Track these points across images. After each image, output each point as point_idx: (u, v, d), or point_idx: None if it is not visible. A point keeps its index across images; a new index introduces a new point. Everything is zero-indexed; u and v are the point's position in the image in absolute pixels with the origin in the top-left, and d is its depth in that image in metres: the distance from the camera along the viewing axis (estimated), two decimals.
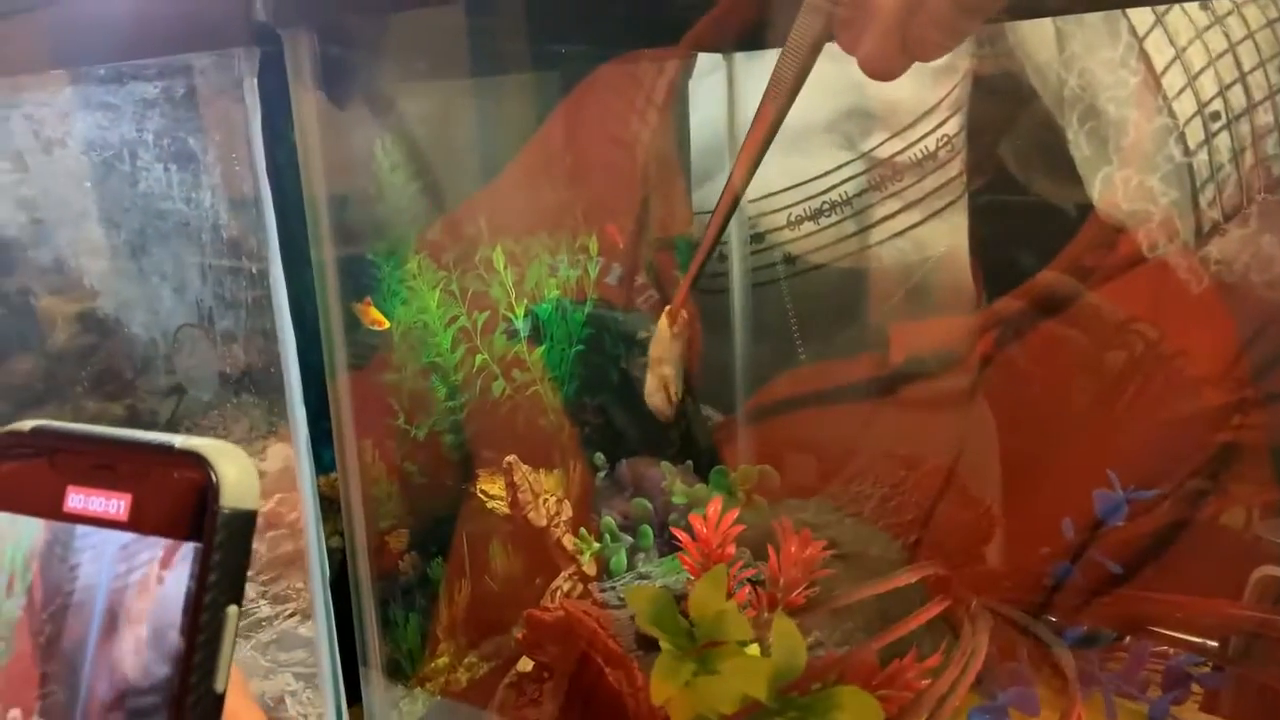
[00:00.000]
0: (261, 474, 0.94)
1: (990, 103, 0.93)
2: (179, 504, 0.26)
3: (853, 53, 0.42)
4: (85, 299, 0.82)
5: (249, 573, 0.78)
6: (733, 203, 0.57)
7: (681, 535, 0.57)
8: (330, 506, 0.63)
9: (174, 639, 0.26)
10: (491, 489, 0.74)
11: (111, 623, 0.27)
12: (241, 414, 0.84)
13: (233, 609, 0.26)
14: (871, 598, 0.61)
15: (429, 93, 0.71)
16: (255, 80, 0.56)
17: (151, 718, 0.26)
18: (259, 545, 0.89)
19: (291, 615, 0.78)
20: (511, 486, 0.66)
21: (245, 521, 0.26)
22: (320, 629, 0.63)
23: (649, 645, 0.56)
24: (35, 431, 0.29)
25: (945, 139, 0.93)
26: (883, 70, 0.42)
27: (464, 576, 0.73)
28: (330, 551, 0.63)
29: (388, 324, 0.65)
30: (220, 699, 0.26)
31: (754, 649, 0.51)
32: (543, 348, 0.77)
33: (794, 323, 0.98)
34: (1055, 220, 0.83)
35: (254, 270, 0.60)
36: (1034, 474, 0.77)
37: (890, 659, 0.51)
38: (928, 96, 0.92)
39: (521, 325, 0.74)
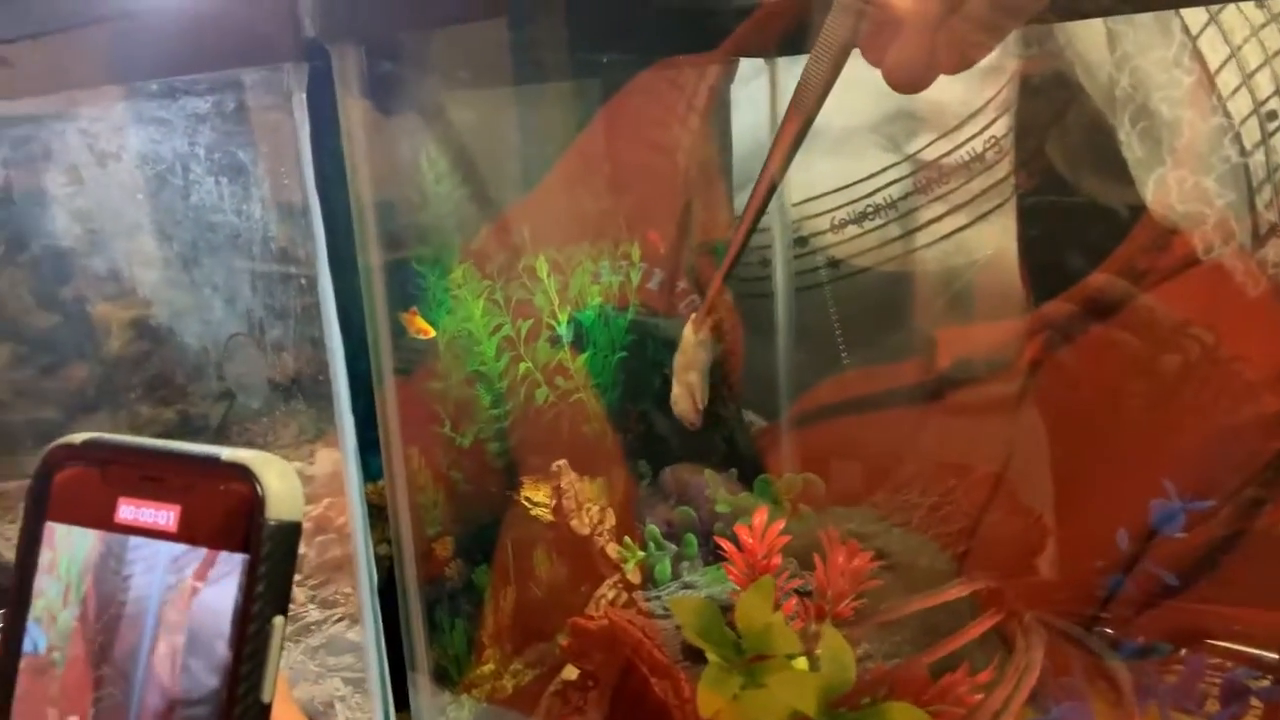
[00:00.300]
0: (310, 479, 0.95)
1: (1039, 103, 0.91)
2: (226, 516, 0.27)
3: (878, 64, 0.42)
4: (139, 306, 0.84)
5: (298, 576, 0.79)
6: (762, 204, 0.57)
7: (726, 545, 0.57)
8: (378, 514, 0.64)
9: (222, 649, 0.26)
10: (535, 496, 0.74)
11: (161, 633, 0.28)
12: (290, 419, 0.86)
13: (279, 620, 0.26)
14: (922, 611, 0.60)
15: (473, 103, 0.72)
16: (304, 95, 0.56)
17: None
18: (308, 550, 0.90)
19: (340, 620, 0.79)
20: (557, 491, 0.67)
21: (290, 533, 0.27)
22: (368, 635, 0.64)
23: (695, 656, 0.56)
24: (87, 444, 0.29)
25: (993, 140, 0.92)
26: (909, 80, 0.41)
27: (508, 583, 0.73)
28: (378, 558, 0.64)
29: (433, 333, 0.65)
30: (267, 709, 0.26)
31: (801, 662, 0.51)
32: (586, 355, 0.77)
33: (838, 328, 0.97)
34: (1106, 222, 0.81)
35: (303, 280, 0.60)
36: (1084, 482, 0.75)
37: (941, 673, 0.50)
38: (975, 98, 0.91)
39: (564, 332, 0.74)
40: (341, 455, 0.63)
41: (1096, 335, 0.81)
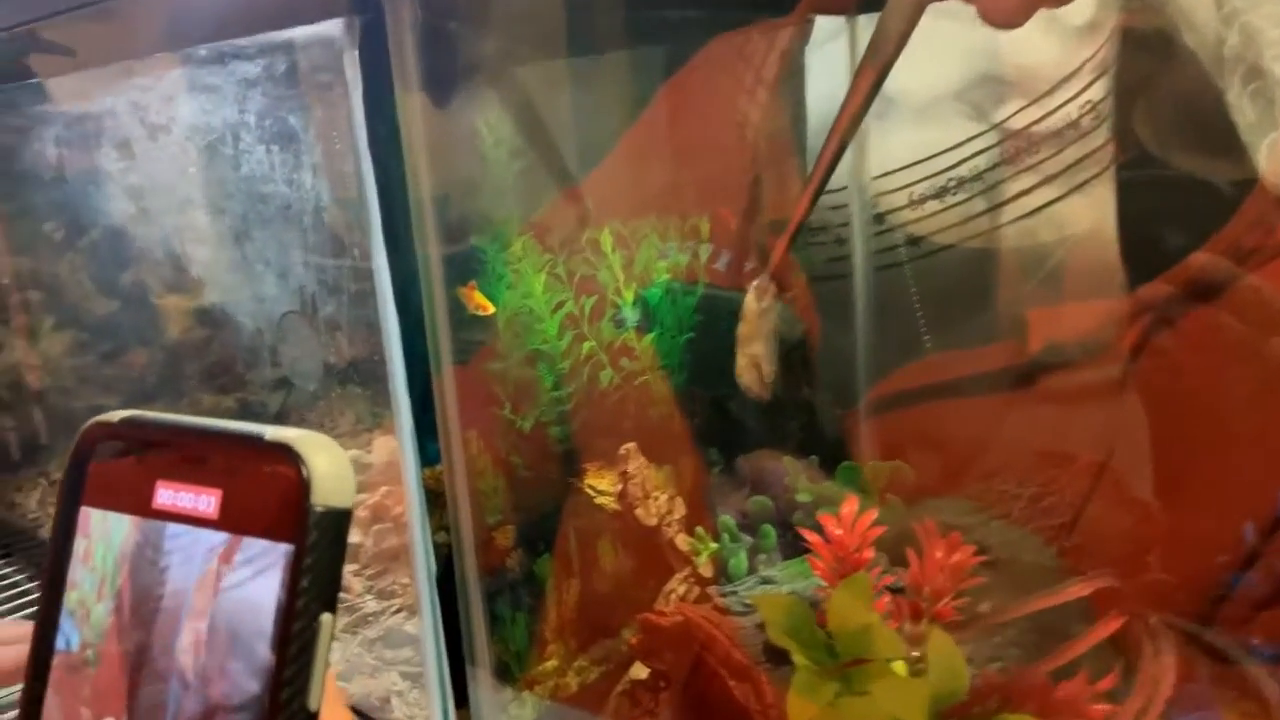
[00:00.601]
0: (366, 466, 0.92)
1: (1140, 64, 0.85)
2: (268, 501, 0.24)
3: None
4: (197, 295, 0.82)
5: (354, 566, 0.75)
6: (830, 164, 0.53)
7: (812, 537, 0.52)
8: (435, 500, 0.60)
9: (264, 650, 0.23)
10: (600, 484, 0.70)
11: (200, 632, 0.24)
12: (347, 406, 0.83)
13: (326, 617, 0.23)
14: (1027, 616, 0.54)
15: (532, 65, 0.68)
16: (356, 53, 0.53)
17: None
18: (365, 539, 0.87)
19: (398, 611, 0.75)
20: (624, 476, 0.62)
21: (338, 521, 0.23)
22: (426, 627, 0.60)
23: (776, 658, 0.51)
24: (125, 422, 0.27)
25: (1089, 105, 0.85)
26: (1006, 11, 0.37)
27: (572, 576, 0.69)
28: (436, 547, 0.60)
29: (492, 309, 0.61)
30: (314, 717, 0.23)
31: (900, 667, 0.46)
32: (652, 335, 0.72)
33: (918, 309, 0.91)
34: (1213, 193, 0.75)
35: (357, 252, 0.57)
36: (1191, 473, 0.69)
37: (1054, 681, 0.45)
38: (1070, 59, 0.85)
39: (629, 314, 0.70)
40: (397, 439, 0.59)
41: (1200, 318, 0.74)
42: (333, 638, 0.24)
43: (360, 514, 0.91)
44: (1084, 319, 0.86)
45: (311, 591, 0.23)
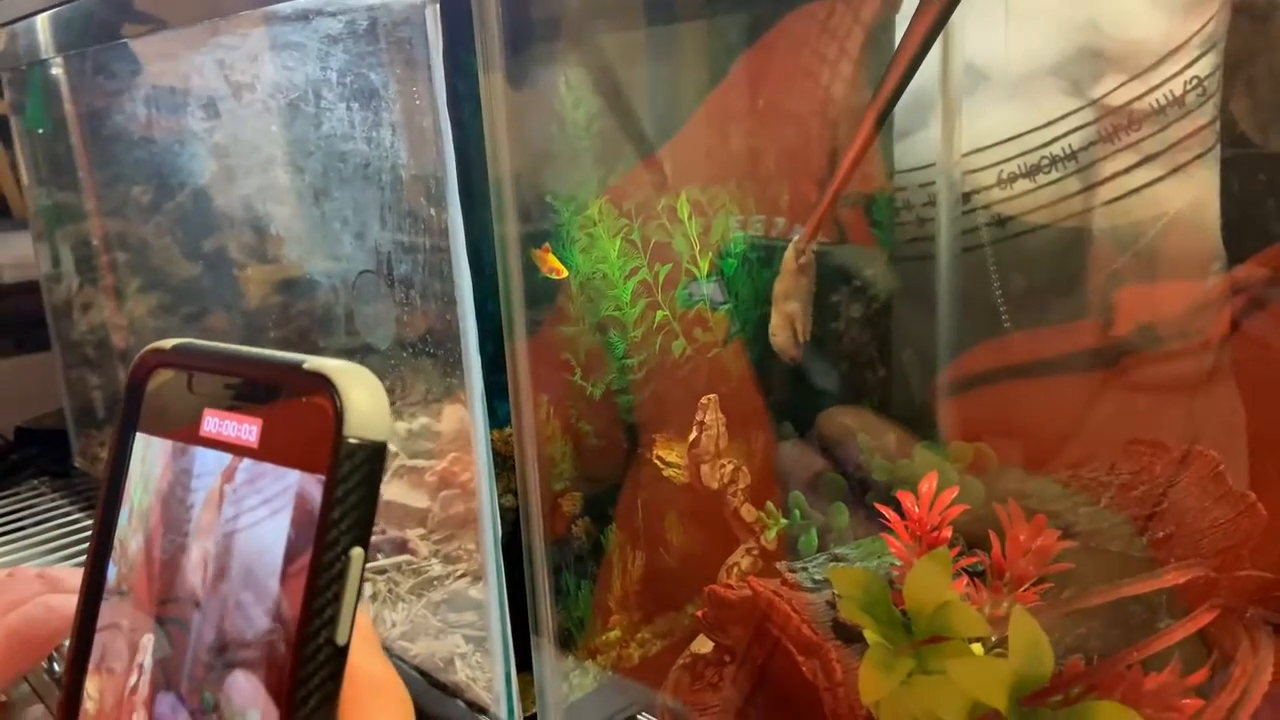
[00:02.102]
0: (436, 434, 0.93)
1: (1252, 38, 0.80)
2: (304, 431, 0.23)
3: None
4: (278, 260, 0.83)
5: (421, 530, 0.75)
6: (881, 114, 0.51)
7: (889, 514, 0.50)
8: (504, 464, 0.60)
9: (293, 583, 0.23)
10: (669, 455, 0.69)
11: (231, 563, 0.24)
12: (419, 375, 0.83)
13: (357, 551, 0.23)
14: (1111, 600, 0.52)
15: (614, 28, 0.67)
16: (437, 7, 0.52)
17: (267, 666, 0.23)
18: (433, 505, 0.87)
19: (463, 576, 0.76)
20: (700, 425, 0.61)
21: (373, 454, 0.23)
22: (491, 589, 0.60)
23: (846, 636, 0.50)
24: (177, 349, 0.27)
25: (1195, 81, 0.81)
26: None
27: (638, 547, 0.68)
28: (502, 511, 0.60)
29: (566, 272, 0.60)
30: (342, 652, 0.23)
31: (978, 649, 0.44)
32: (727, 307, 0.71)
33: (999, 293, 0.88)
34: None
35: (433, 211, 0.57)
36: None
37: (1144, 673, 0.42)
38: (1176, 32, 0.80)
39: (704, 286, 0.69)
40: (467, 400, 0.59)
41: None
42: (364, 573, 0.23)
43: (428, 479, 0.91)
44: (1175, 300, 0.82)
45: (342, 525, 0.23)
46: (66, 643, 0.51)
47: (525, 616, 0.62)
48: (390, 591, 0.77)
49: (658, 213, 0.65)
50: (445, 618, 0.72)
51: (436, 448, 0.90)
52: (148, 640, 0.26)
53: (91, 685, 0.27)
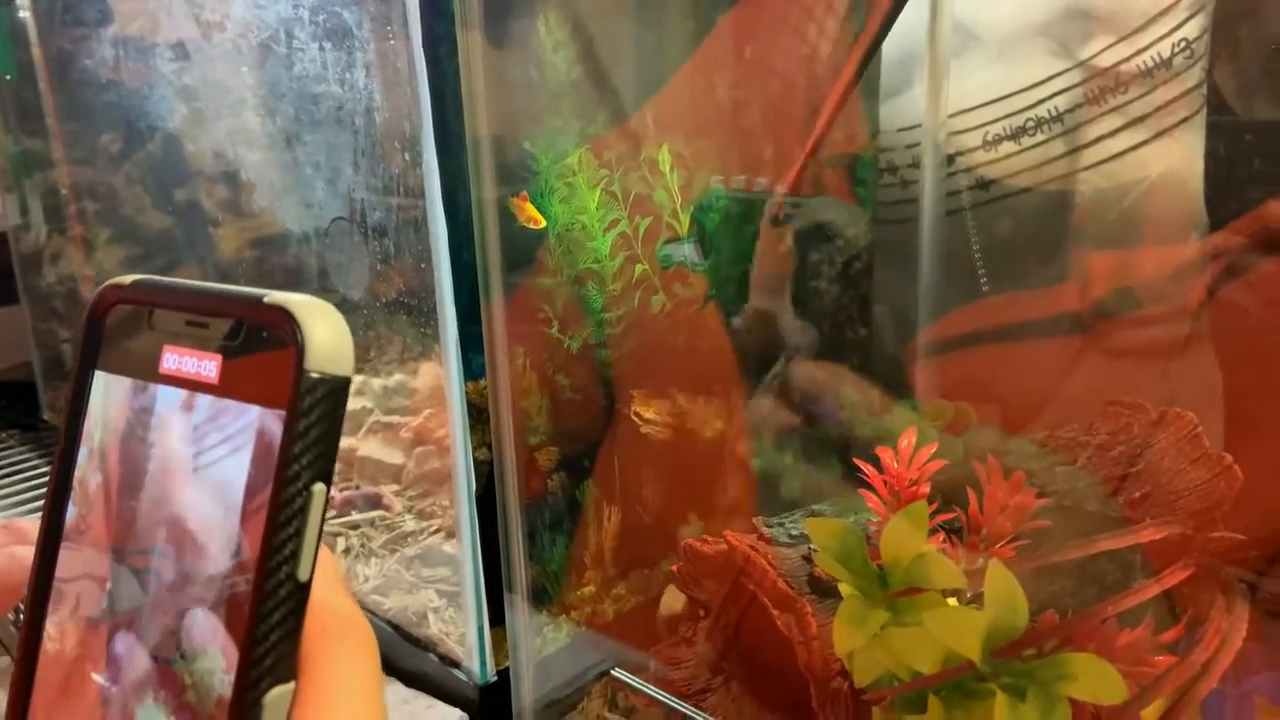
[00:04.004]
0: (412, 391, 0.91)
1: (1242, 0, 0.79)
2: (264, 367, 0.23)
3: None
4: (251, 212, 0.81)
5: (395, 486, 0.74)
6: (856, 73, 0.50)
7: (867, 469, 0.50)
8: (479, 416, 0.59)
9: (254, 518, 0.22)
10: (646, 412, 0.68)
11: (190, 499, 0.24)
12: (396, 331, 0.82)
13: (319, 487, 0.22)
14: (1085, 558, 0.52)
15: None
16: None
17: (227, 604, 0.22)
18: (408, 461, 0.87)
19: (437, 531, 0.75)
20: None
21: (335, 389, 0.22)
22: (464, 544, 0.60)
23: (821, 590, 0.49)
24: (137, 285, 0.26)
25: (1183, 43, 0.80)
26: None
27: (613, 503, 0.68)
28: (477, 464, 0.59)
29: (544, 222, 0.59)
30: (304, 588, 0.22)
31: (952, 603, 0.44)
32: (708, 262, 0.70)
33: (978, 257, 0.87)
34: None
35: (407, 156, 0.55)
36: (1252, 427, 0.66)
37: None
38: None
39: (685, 243, 0.67)
40: (441, 350, 0.58)
41: (1270, 269, 0.70)
42: (326, 510, 0.23)
43: (404, 435, 0.90)
44: (1155, 264, 0.82)
45: (303, 460, 0.22)
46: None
47: (499, 571, 0.61)
48: (363, 546, 0.77)
49: (639, 164, 0.64)
50: (419, 573, 0.72)
51: (412, 404, 0.89)
52: (107, 580, 0.25)
53: (51, 626, 0.26)
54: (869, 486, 0.50)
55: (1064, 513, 0.55)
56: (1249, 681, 0.48)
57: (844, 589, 0.43)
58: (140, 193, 1.02)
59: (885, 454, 0.50)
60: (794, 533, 0.52)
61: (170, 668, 0.23)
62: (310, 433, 0.22)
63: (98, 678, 0.25)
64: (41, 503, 0.27)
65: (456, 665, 0.63)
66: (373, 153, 0.59)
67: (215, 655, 0.23)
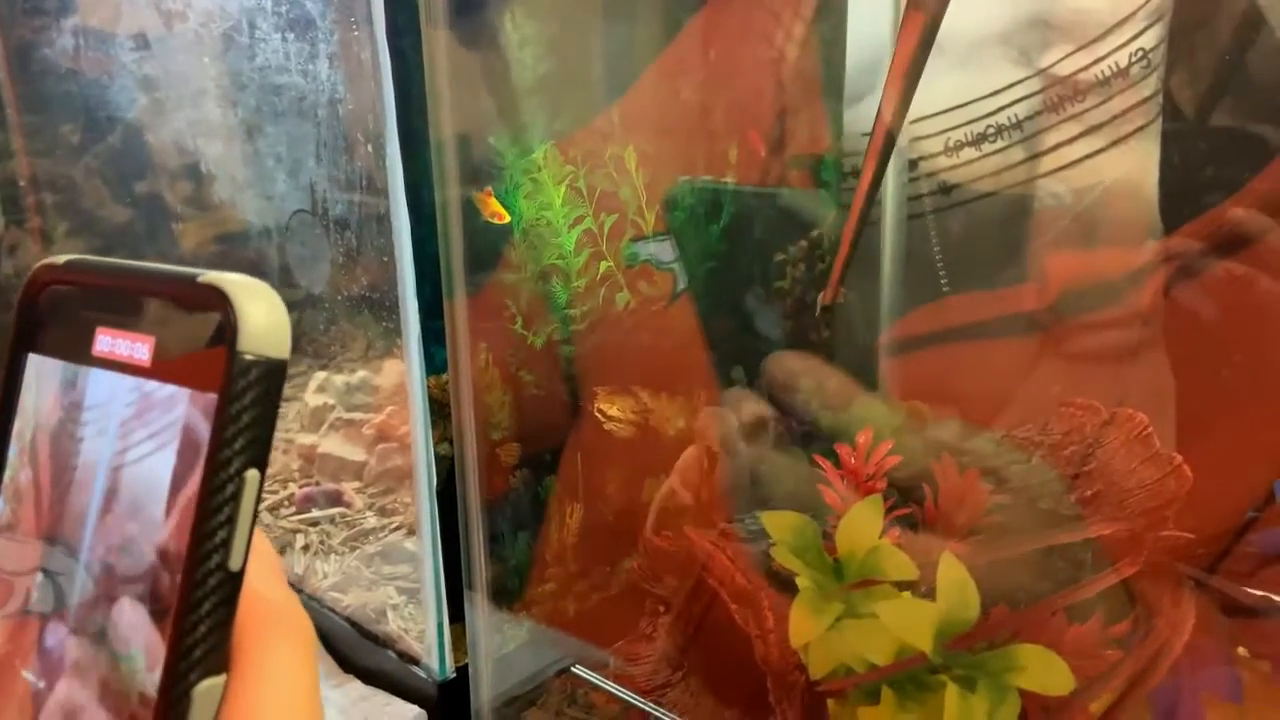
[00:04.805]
0: (375, 388, 0.91)
1: (1199, 11, 0.81)
2: (197, 348, 0.22)
3: None
4: (211, 202, 0.80)
5: (356, 483, 0.73)
6: (887, 143, 0.50)
7: (825, 464, 0.50)
8: (440, 411, 0.59)
9: (184, 506, 0.22)
10: (610, 410, 0.69)
11: (119, 486, 0.23)
12: (359, 329, 0.81)
13: (252, 474, 0.22)
14: (1036, 555, 0.53)
15: None
16: None
17: (157, 592, 0.22)
18: (369, 458, 0.86)
19: (398, 528, 0.74)
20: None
21: (270, 372, 0.22)
22: (424, 538, 0.59)
23: (780, 585, 0.50)
24: (70, 265, 0.25)
25: (1141, 53, 0.82)
26: None
27: (576, 500, 0.68)
28: (438, 459, 0.59)
29: (508, 217, 0.59)
30: (236, 578, 0.22)
31: (905, 596, 0.44)
32: (673, 265, 0.70)
33: (940, 261, 0.89)
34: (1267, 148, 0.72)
35: (370, 148, 0.55)
36: (1202, 428, 0.67)
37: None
38: (1124, 3, 0.81)
39: (650, 242, 0.68)
40: (403, 343, 0.58)
41: (1223, 272, 0.72)
42: (259, 498, 0.22)
43: (366, 432, 0.90)
44: (1108, 267, 0.83)
45: (235, 444, 0.21)
46: None
47: (459, 567, 0.61)
48: (323, 544, 0.76)
49: (605, 161, 0.64)
50: (379, 570, 0.71)
51: (375, 401, 0.89)
52: (38, 573, 0.24)
53: None
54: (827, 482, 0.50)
55: (1018, 509, 0.56)
56: (1198, 676, 0.49)
57: (800, 581, 0.44)
58: (99, 185, 1.01)
59: (844, 450, 0.51)
60: (753, 528, 0.53)
61: (100, 659, 0.23)
62: (243, 417, 0.21)
63: (27, 674, 0.24)
64: None
65: (415, 662, 0.63)
66: (335, 145, 0.59)
67: (141, 647, 0.22)
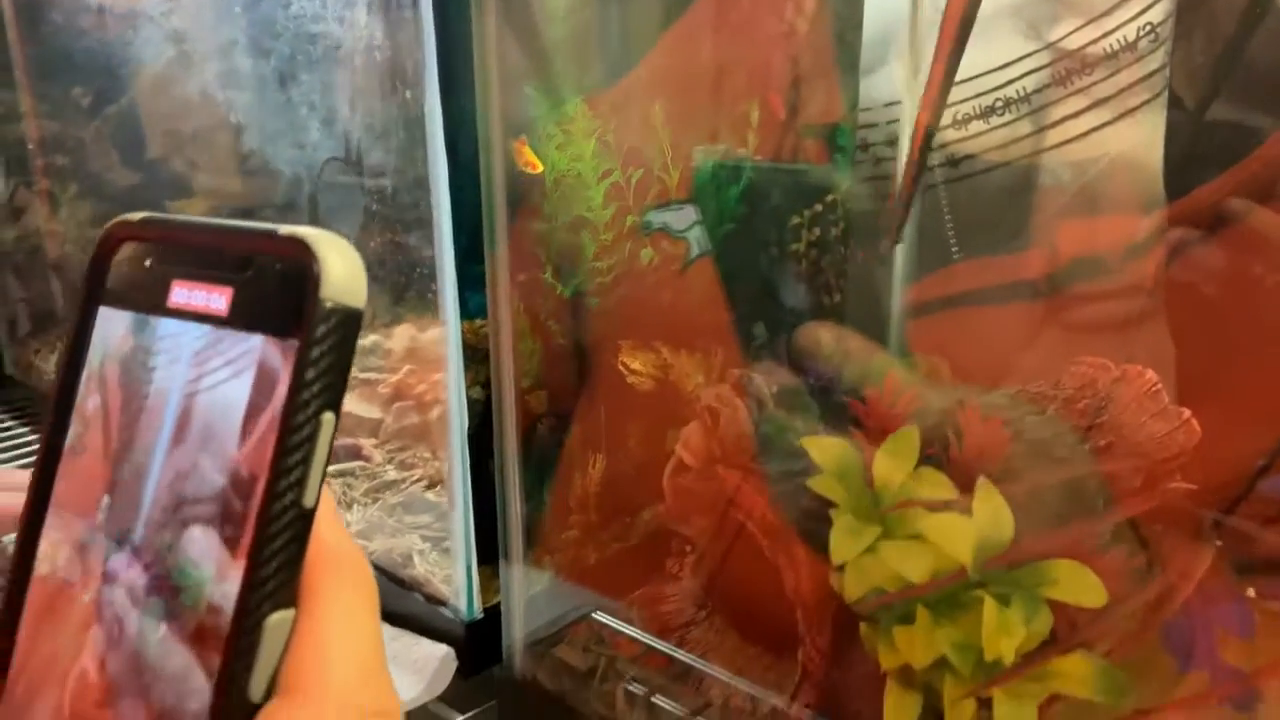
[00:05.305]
0: (387, 352, 0.92)
1: None
2: (279, 296, 0.23)
3: None
4: (225, 173, 0.81)
5: (374, 440, 0.75)
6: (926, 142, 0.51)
7: (855, 404, 0.52)
8: (473, 356, 0.60)
9: (263, 443, 0.23)
10: (633, 363, 0.70)
11: (197, 425, 0.24)
12: (377, 293, 0.82)
13: (328, 416, 0.23)
14: (1052, 499, 0.54)
15: None
16: None
17: (228, 524, 0.23)
18: (386, 416, 0.87)
19: (419, 480, 0.76)
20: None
21: (349, 319, 0.23)
22: (455, 479, 0.60)
23: (808, 518, 0.51)
24: (144, 222, 0.26)
25: (1148, 27, 0.83)
26: None
27: (599, 451, 0.69)
28: (470, 403, 0.60)
29: (541, 167, 0.60)
30: (309, 515, 0.23)
31: (948, 513, 0.46)
32: (690, 232, 0.71)
33: (951, 234, 0.90)
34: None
35: (408, 95, 0.56)
36: (1204, 393, 0.69)
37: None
38: None
39: (670, 210, 0.69)
40: (438, 285, 0.59)
41: (1221, 245, 0.74)
42: (333, 439, 0.23)
43: (382, 391, 0.91)
44: (1112, 236, 0.85)
45: (315, 388, 0.22)
46: (8, 539, 0.49)
47: (486, 509, 0.62)
48: (345, 494, 0.77)
49: (632, 117, 0.65)
50: (402, 519, 0.72)
51: (387, 365, 0.90)
52: (104, 500, 0.25)
53: (46, 546, 0.26)
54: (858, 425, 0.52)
55: (1035, 459, 0.58)
56: (1212, 611, 0.51)
57: (837, 514, 0.45)
58: (109, 149, 1.01)
59: (873, 393, 0.52)
60: (804, 443, 0.53)
61: (167, 582, 0.24)
62: (323, 360, 0.22)
63: (91, 594, 0.25)
64: (6, 457, 0.27)
65: (443, 604, 0.64)
66: (371, 93, 0.60)
67: (210, 574, 0.23)
